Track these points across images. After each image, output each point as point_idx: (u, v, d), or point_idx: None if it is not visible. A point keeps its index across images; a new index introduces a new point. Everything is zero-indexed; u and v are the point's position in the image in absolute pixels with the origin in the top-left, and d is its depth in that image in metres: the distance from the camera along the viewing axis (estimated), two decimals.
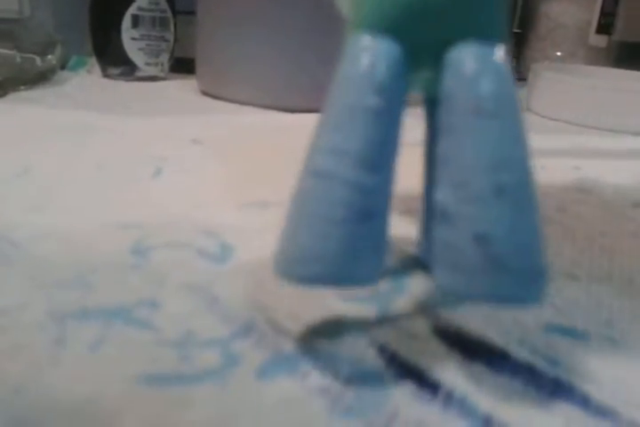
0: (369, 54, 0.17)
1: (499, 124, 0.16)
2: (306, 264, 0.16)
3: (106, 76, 0.64)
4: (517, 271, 0.15)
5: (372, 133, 0.16)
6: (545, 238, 0.16)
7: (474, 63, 0.16)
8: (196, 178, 0.34)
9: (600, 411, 0.16)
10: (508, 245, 0.15)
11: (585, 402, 0.16)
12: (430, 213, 0.20)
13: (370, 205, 0.16)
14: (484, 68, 0.16)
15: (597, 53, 0.80)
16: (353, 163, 0.16)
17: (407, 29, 0.17)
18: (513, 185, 0.16)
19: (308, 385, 0.16)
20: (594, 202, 0.34)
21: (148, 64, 0.63)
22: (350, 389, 0.16)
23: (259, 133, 0.46)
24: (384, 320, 0.20)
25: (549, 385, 0.17)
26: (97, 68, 0.65)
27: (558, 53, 0.82)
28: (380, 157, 0.16)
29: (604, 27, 0.80)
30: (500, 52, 0.17)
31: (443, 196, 0.16)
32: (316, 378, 0.17)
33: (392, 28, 0.17)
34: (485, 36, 0.17)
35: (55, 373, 0.16)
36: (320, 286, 0.16)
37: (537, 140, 0.55)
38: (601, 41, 0.81)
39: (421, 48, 0.17)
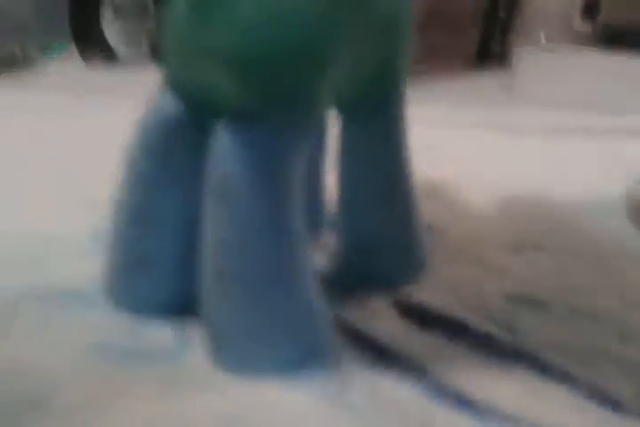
0: (150, 117, 0.18)
1: (226, 208, 0.16)
2: (112, 295, 0.19)
3: (86, 62, 0.63)
4: (230, 354, 0.17)
5: (143, 193, 0.18)
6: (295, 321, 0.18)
7: (223, 143, 0.16)
8: None
9: (559, 377, 0.16)
10: (221, 330, 0.16)
11: (544, 369, 0.16)
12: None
13: (144, 254, 0.18)
14: (230, 150, 0.15)
15: (582, 37, 0.80)
16: (124, 216, 0.19)
17: (188, 94, 0.17)
18: (233, 271, 0.15)
19: None
20: (575, 179, 0.34)
21: (128, 50, 0.63)
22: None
23: None
24: (345, 293, 0.20)
25: (509, 354, 0.17)
26: (77, 55, 0.64)
27: (543, 37, 0.81)
28: (153, 214, 0.18)
29: (589, 11, 0.80)
30: (268, 130, 0.16)
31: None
32: None
33: (178, 89, 0.17)
34: (265, 110, 0.17)
35: (4, 343, 0.16)
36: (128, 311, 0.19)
37: (519, 119, 0.55)
38: (586, 26, 0.80)
39: (205, 114, 0.17)
